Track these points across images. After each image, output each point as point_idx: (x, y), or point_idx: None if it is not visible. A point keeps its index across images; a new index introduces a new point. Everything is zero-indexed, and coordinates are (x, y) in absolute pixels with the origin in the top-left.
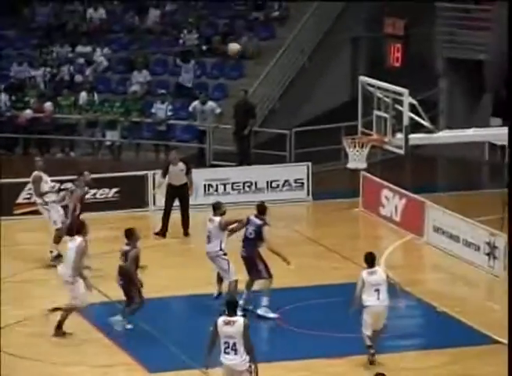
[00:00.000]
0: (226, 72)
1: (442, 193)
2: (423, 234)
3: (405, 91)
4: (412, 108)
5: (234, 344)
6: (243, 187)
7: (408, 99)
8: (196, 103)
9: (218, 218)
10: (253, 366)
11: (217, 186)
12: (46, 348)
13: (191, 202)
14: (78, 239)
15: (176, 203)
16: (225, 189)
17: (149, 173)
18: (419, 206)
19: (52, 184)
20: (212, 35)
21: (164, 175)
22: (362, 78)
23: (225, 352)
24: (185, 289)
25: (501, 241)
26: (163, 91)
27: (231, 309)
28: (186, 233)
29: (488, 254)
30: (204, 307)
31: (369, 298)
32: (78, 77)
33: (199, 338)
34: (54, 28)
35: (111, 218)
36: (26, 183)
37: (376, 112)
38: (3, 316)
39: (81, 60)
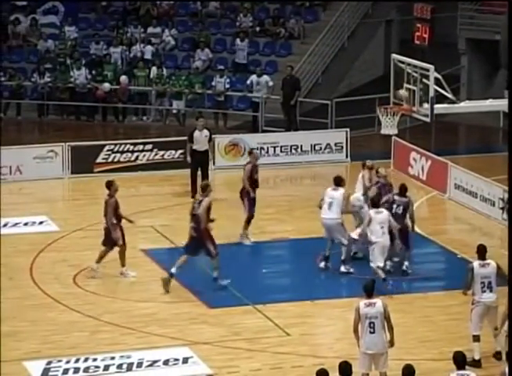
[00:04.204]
0: (276, 50)
1: (463, 156)
2: (446, 191)
3: (431, 67)
4: (437, 82)
5: (489, 283)
6: (290, 150)
7: (433, 74)
8: (253, 76)
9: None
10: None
11: (267, 148)
12: (120, 287)
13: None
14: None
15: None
16: (274, 151)
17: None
18: (442, 166)
19: None
20: (265, 18)
21: (190, 140)
22: (394, 56)
23: (482, 292)
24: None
25: None
26: (222, 67)
27: None
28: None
29: (501, 209)
30: (254, 253)
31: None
32: (149, 55)
33: (251, 279)
34: (129, 12)
35: (177, 175)
36: (104, 145)
37: (405, 85)
38: (86, 259)
39: (152, 40)
